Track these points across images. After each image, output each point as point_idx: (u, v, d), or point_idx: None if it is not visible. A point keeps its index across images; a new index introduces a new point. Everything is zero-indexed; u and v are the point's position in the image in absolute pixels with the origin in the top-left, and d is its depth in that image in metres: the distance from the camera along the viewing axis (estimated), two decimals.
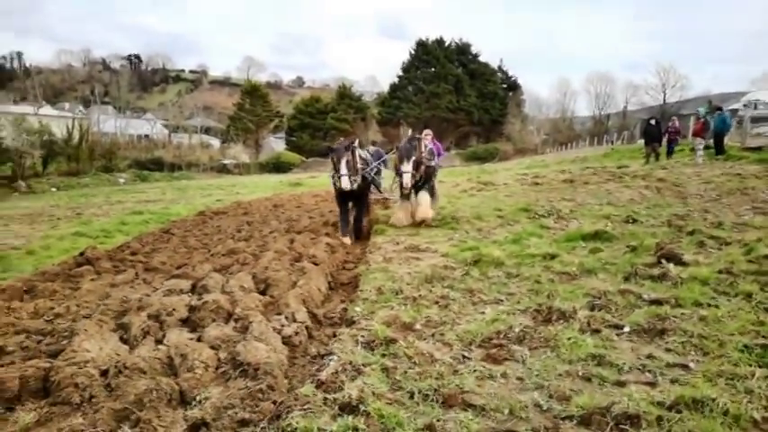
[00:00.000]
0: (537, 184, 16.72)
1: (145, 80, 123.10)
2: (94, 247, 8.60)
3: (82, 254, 8.19)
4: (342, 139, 9.23)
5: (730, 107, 41.37)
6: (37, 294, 6.25)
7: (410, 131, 10.50)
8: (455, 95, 73.47)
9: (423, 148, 10.18)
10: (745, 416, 2.94)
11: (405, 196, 10.36)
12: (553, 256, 6.89)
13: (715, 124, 21.05)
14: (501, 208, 11.35)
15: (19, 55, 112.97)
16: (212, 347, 4.24)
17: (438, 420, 3.10)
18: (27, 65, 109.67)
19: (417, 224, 10.16)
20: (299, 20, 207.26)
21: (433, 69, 75.14)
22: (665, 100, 71.86)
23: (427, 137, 11.30)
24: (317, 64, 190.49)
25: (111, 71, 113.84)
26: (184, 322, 5.08)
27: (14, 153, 38.57)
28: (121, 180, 43.57)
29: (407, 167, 9.68)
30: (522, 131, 72.91)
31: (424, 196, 10.23)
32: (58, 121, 49.87)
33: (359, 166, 9.51)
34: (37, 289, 6.39)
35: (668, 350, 3.99)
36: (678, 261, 6.12)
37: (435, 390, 3.44)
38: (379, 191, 12.01)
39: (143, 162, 51.60)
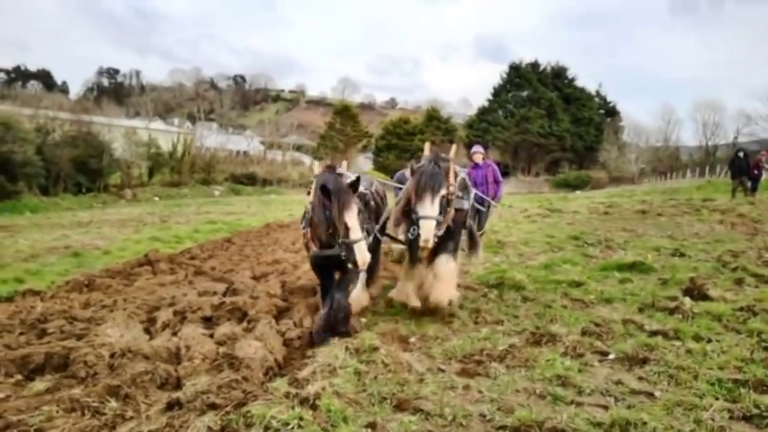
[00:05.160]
0: (606, 213, 16.38)
1: (247, 99, 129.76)
2: (157, 250, 9.47)
3: (145, 255, 9.05)
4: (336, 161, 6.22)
5: None
6: (94, 288, 7.06)
7: (429, 148, 6.26)
8: (547, 120, 71.82)
9: (452, 178, 5.79)
10: None
11: (413, 259, 6.21)
12: (579, 284, 6.90)
13: None
14: (553, 235, 11.28)
15: (137, 73, 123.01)
16: (217, 342, 4.71)
17: (383, 420, 3.35)
18: (143, 83, 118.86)
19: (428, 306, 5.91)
20: (397, 42, 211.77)
21: (525, 93, 74.06)
22: None
23: (477, 155, 8.71)
24: (412, 85, 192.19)
25: (217, 90, 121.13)
26: (207, 320, 5.60)
27: (123, 163, 42.11)
28: (216, 192, 46.32)
29: (429, 209, 5.41)
30: (618, 159, 70.05)
31: (445, 264, 5.94)
32: (164, 135, 53.74)
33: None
34: (95, 283, 7.20)
35: (641, 378, 4.02)
36: (702, 296, 6.00)
37: (393, 394, 3.71)
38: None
39: (238, 176, 54.19)
